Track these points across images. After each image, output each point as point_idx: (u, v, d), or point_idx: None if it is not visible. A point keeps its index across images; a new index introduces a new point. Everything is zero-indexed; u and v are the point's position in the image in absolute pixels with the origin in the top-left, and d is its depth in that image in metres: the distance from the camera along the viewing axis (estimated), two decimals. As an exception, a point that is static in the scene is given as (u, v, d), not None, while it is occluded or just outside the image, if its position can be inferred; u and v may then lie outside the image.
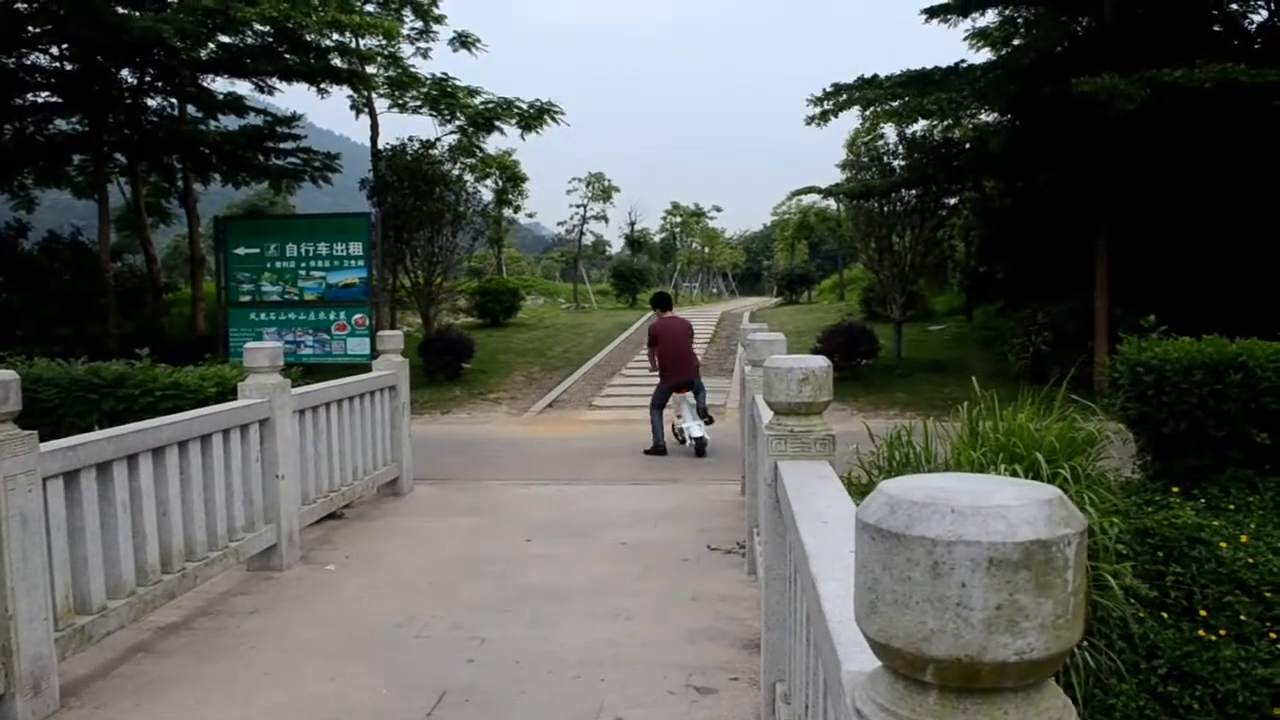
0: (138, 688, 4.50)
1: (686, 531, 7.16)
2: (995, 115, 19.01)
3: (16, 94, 18.72)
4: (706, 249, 62.31)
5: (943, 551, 1.02)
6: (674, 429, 11.35)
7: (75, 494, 4.55)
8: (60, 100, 19.29)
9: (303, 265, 15.64)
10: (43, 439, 4.34)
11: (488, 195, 33.86)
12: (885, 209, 18.20)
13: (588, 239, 48.50)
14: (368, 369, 8.93)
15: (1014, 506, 1.03)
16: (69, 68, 18.47)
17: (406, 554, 6.79)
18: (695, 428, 10.93)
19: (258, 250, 15.76)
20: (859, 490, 5.41)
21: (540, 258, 73.21)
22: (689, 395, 11.19)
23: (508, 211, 38.98)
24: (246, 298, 15.82)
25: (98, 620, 4.62)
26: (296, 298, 15.68)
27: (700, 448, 10.86)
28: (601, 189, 44.66)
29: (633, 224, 54.05)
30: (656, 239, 60.05)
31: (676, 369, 11.25)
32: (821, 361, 3.36)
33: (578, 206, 45.06)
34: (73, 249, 20.39)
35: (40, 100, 19.39)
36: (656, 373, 11.35)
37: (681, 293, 55.02)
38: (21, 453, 4.10)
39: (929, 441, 6.18)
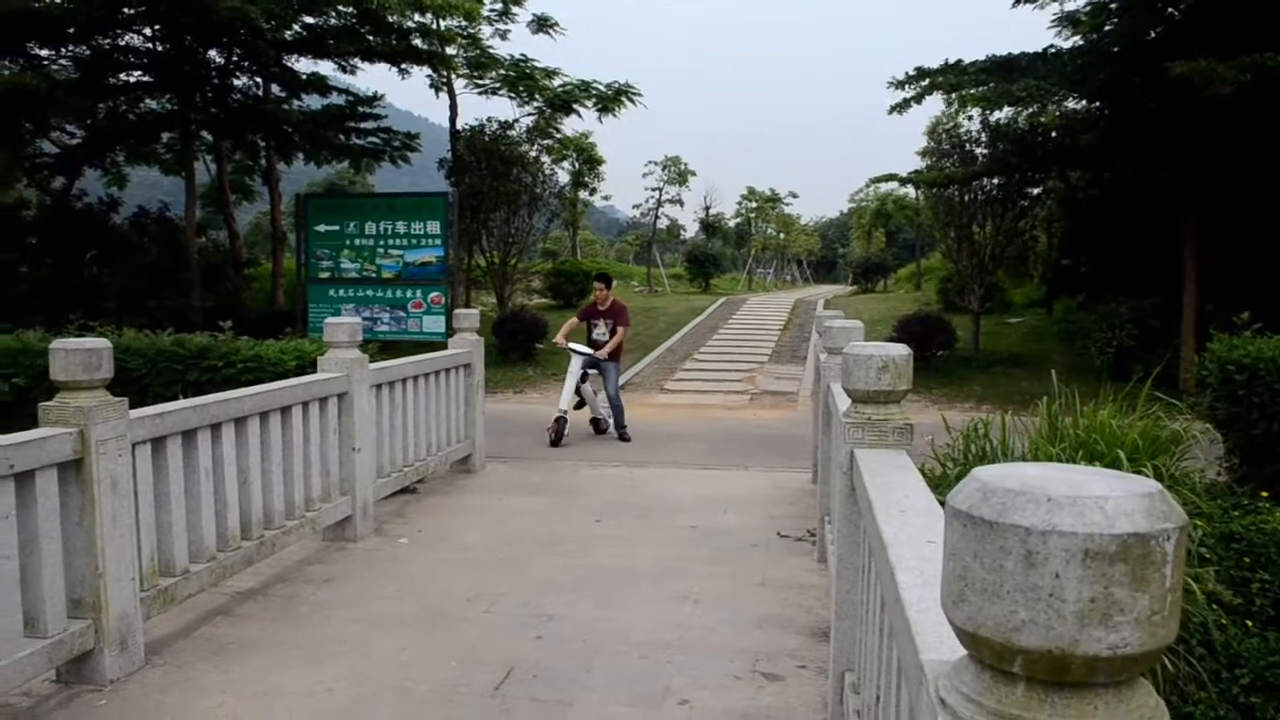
0: (216, 649, 4.62)
1: (755, 517, 7.13)
2: (1083, 103, 18.53)
3: (110, 74, 19.21)
4: (781, 235, 61.92)
5: (1037, 541, 1.00)
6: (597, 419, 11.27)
7: (162, 460, 4.68)
8: (151, 80, 19.75)
9: (381, 243, 15.86)
10: (130, 407, 4.47)
11: (564, 177, 34.05)
12: (966, 198, 17.87)
13: (662, 222, 48.51)
14: (443, 347, 9.04)
15: (1112, 498, 1.00)
16: (160, 48, 18.90)
17: (477, 530, 6.86)
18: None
19: (337, 228, 16.01)
20: (934, 482, 5.34)
21: (614, 241, 73.35)
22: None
23: (583, 194, 39.20)
24: (326, 274, 16.09)
25: (180, 582, 4.75)
26: (374, 275, 15.91)
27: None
28: (677, 173, 44.60)
29: (708, 208, 53.93)
30: (731, 224, 59.76)
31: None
32: (902, 349, 3.32)
33: (653, 190, 45.11)
34: (160, 224, 20.93)
35: (132, 80, 19.87)
36: (607, 354, 10.96)
37: (755, 279, 54.75)
38: (112, 418, 4.22)
39: (1006, 435, 6.08)
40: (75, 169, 21.92)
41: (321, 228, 16.12)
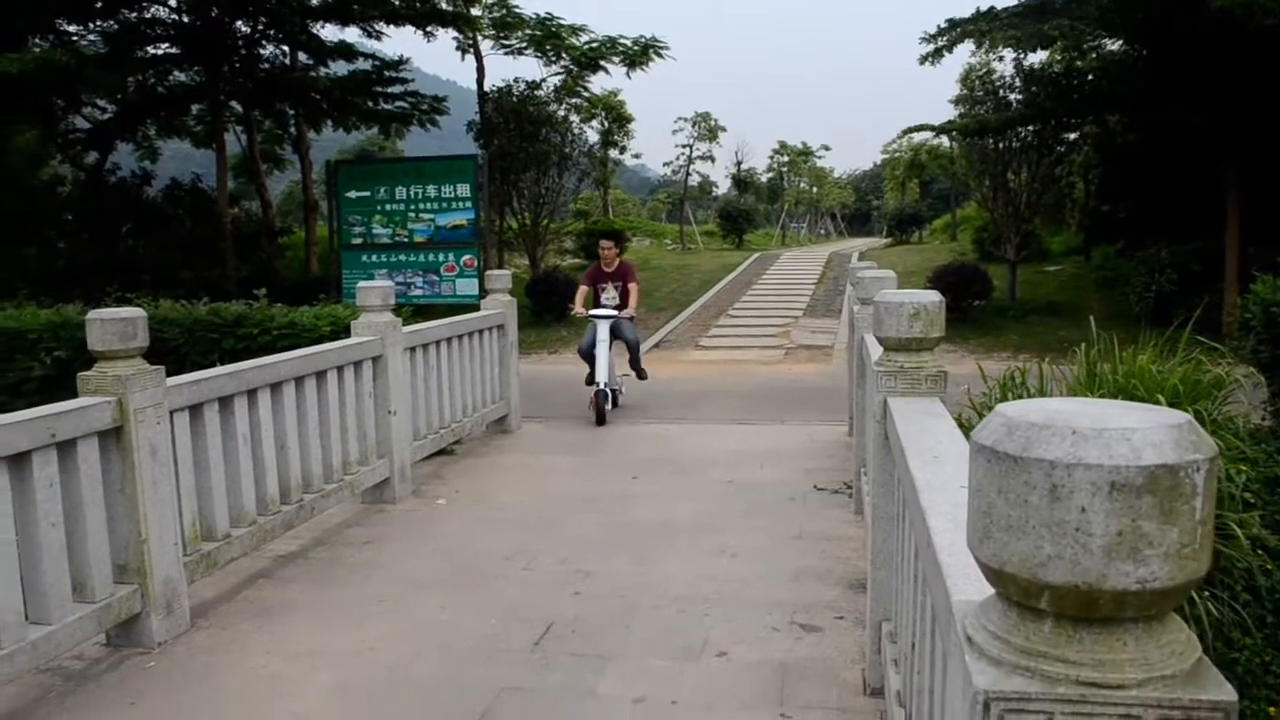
0: (259, 611, 4.70)
1: (792, 471, 7.12)
2: (1120, 44, 18.11)
3: (138, 47, 19.27)
4: (814, 189, 61.38)
5: (1062, 474, 0.98)
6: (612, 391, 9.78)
7: (200, 426, 4.73)
8: (179, 52, 19.79)
9: (412, 208, 15.88)
10: (168, 376, 4.52)
11: (593, 136, 33.87)
12: (1000, 145, 17.58)
13: (694, 179, 48.19)
14: (476, 309, 9.06)
15: (1140, 429, 0.98)
16: (186, 20, 18.93)
17: (514, 489, 6.91)
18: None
19: (368, 193, 16.04)
20: (969, 430, 5.30)
21: (646, 199, 73.00)
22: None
23: (613, 152, 38.97)
24: (358, 240, 16.15)
25: (222, 547, 4.82)
26: (406, 239, 15.95)
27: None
28: (708, 129, 44.24)
29: (739, 164, 53.52)
30: (763, 179, 59.29)
31: None
32: (933, 296, 3.28)
33: (684, 147, 44.77)
34: (193, 196, 21.07)
35: (160, 53, 19.93)
36: (633, 314, 10.07)
37: (789, 233, 54.38)
38: (150, 386, 4.27)
39: (1044, 384, 6.01)
40: (108, 144, 22.06)
41: (353, 194, 16.16)
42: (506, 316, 8.92)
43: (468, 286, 15.56)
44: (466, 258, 15.76)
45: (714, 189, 58.53)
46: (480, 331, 8.42)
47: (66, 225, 20.16)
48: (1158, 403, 5.23)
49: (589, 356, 9.50)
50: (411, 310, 10.03)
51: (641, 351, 10.41)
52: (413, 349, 7.08)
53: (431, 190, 15.79)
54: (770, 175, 59.28)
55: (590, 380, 9.55)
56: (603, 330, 9.43)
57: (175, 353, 7.53)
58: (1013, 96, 17.74)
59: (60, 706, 3.79)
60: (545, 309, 17.75)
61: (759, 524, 5.87)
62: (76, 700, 3.84)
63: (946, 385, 3.27)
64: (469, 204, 15.80)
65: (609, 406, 9.31)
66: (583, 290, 10.21)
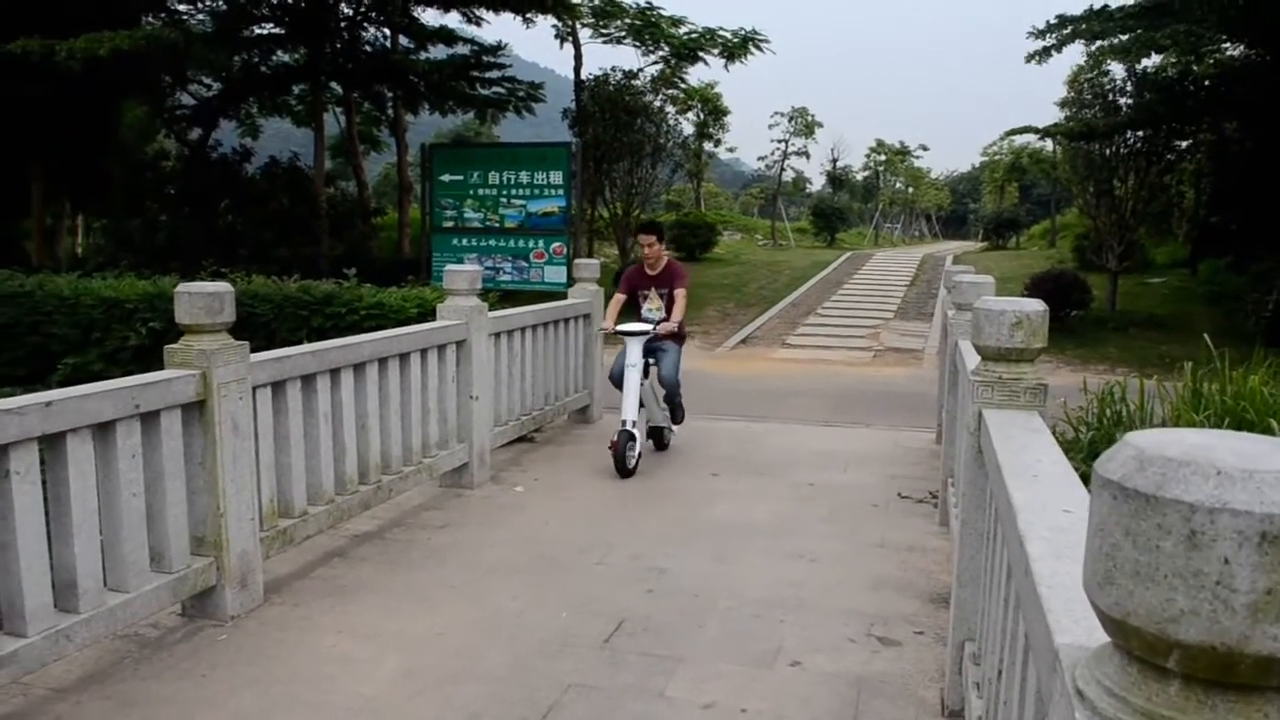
0: (332, 590, 4.70)
1: (876, 477, 6.94)
2: (1240, 50, 17.39)
3: (244, 27, 19.69)
4: (910, 189, 60.41)
5: (1203, 520, 0.85)
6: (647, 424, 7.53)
7: (281, 403, 4.75)
8: (283, 32, 20.18)
9: (504, 193, 15.93)
10: (256, 351, 4.55)
11: (688, 128, 33.77)
12: (1107, 151, 16.99)
13: (788, 175, 47.84)
14: (564, 297, 9.02)
15: (1297, 473, 0.85)
16: (292, 1, 19.27)
17: (592, 481, 6.85)
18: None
19: (461, 177, 16.14)
20: (1065, 446, 5.08)
21: (739, 193, 72.63)
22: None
23: (708, 145, 38.81)
24: (450, 223, 16.26)
25: (299, 524, 4.85)
26: (497, 225, 16.01)
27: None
28: (804, 124, 43.81)
29: (834, 161, 52.96)
30: (859, 177, 58.53)
31: None
32: (1037, 305, 3.11)
33: (779, 142, 44.42)
34: (290, 174, 21.46)
35: (265, 32, 20.33)
36: (675, 328, 7.46)
37: (882, 233, 53.60)
38: (234, 361, 4.29)
39: (1145, 400, 5.75)
40: (211, 120, 22.62)
41: (446, 177, 16.27)
42: (593, 306, 8.86)
43: (556, 274, 15.57)
44: (556, 245, 15.77)
45: (808, 185, 57.94)
46: (566, 320, 8.38)
47: (169, 199, 20.70)
48: (1269, 429, 4.95)
49: (620, 384, 7.09)
50: (499, 295, 10.02)
51: (682, 387, 7.65)
52: (497, 335, 7.06)
53: (524, 176, 15.83)
54: (866, 174, 58.52)
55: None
56: (634, 351, 7.04)
57: (265, 328, 7.65)
58: (1123, 101, 17.14)
59: (134, 673, 3.83)
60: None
61: (839, 529, 5.72)
62: (150, 668, 3.87)
63: (1047, 399, 3.10)
64: (561, 191, 15.80)
65: (636, 453, 6.90)
66: (616, 300, 7.71)
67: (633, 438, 6.87)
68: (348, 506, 5.26)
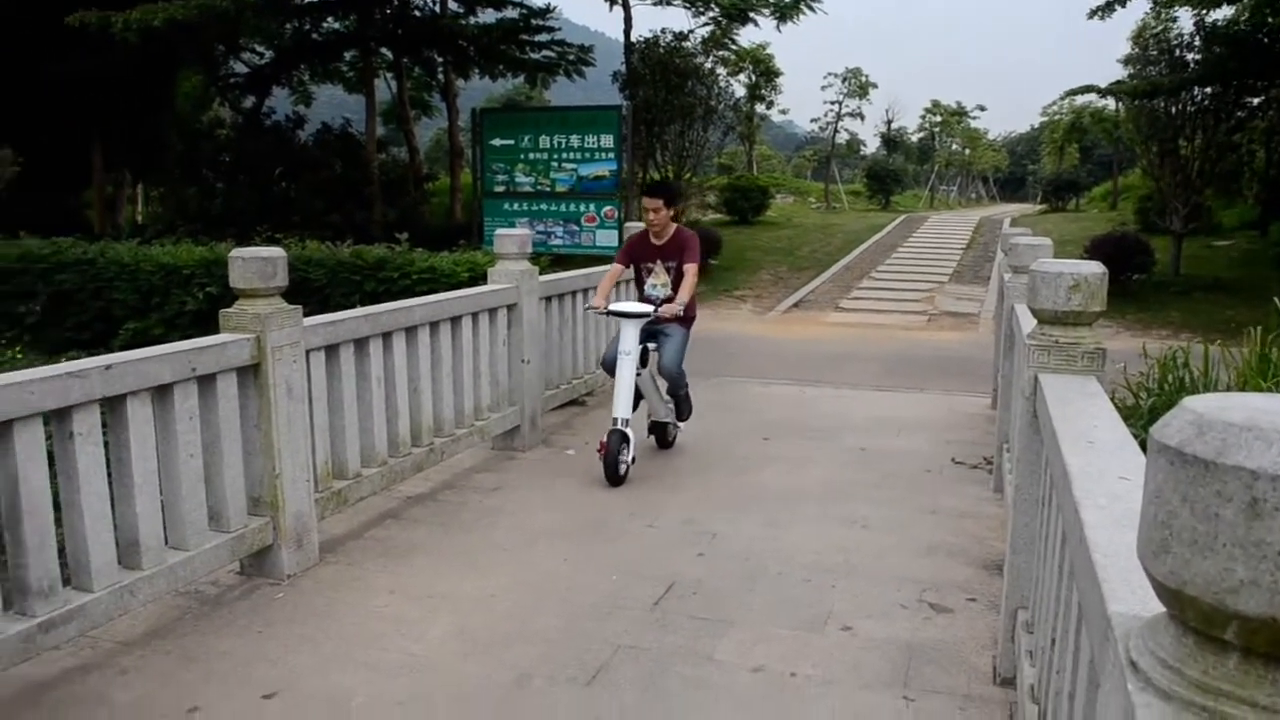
0: (385, 550, 4.77)
1: (929, 442, 6.88)
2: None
3: (295, -6, 19.80)
4: (967, 150, 59.35)
5: (1265, 487, 0.82)
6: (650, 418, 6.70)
7: (335, 367, 4.80)
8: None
9: (555, 157, 15.91)
10: (310, 316, 4.60)
11: (740, 90, 33.46)
12: (1173, 109, 16.51)
13: (841, 137, 47.29)
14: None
15: (1366, 438, 0.82)
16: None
17: (643, 445, 6.85)
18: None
19: (512, 142, 16.13)
20: (1124, 413, 4.98)
21: (791, 156, 71.90)
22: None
23: (760, 107, 38.46)
24: (501, 188, 16.28)
25: (352, 485, 4.91)
26: (548, 189, 16.00)
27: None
28: (858, 85, 43.24)
29: (889, 122, 52.24)
30: (914, 139, 57.69)
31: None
32: (1095, 267, 3.04)
33: (832, 103, 43.94)
34: (342, 140, 21.61)
35: (315, 0, 20.39)
36: (681, 311, 6.25)
37: (938, 196, 52.85)
38: (287, 325, 4.34)
39: (1209, 366, 5.62)
40: (264, 88, 22.80)
41: (497, 142, 16.28)
42: (643, 269, 8.83)
43: (607, 238, 15.54)
44: (607, 209, 15.73)
45: (862, 148, 57.30)
46: (617, 284, 8.36)
47: (224, 167, 20.96)
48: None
49: (613, 371, 6.10)
50: (550, 260, 10.04)
51: (690, 399, 6.77)
52: (548, 298, 7.07)
53: (575, 140, 15.78)
54: (921, 135, 57.63)
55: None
56: (630, 336, 5.99)
57: (319, 293, 7.74)
58: (1190, 56, 16.62)
59: (194, 628, 3.92)
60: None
61: (892, 495, 5.68)
62: (210, 624, 3.96)
63: (1105, 364, 3.04)
64: (612, 155, 15.74)
65: (629, 458, 5.85)
66: (613, 271, 6.69)
67: (626, 439, 5.81)
68: (400, 468, 5.32)
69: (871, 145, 58.62)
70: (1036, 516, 2.98)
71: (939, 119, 55.55)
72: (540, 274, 6.88)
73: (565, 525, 5.16)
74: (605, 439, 5.81)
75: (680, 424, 6.70)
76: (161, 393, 3.82)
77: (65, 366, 3.52)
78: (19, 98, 17.25)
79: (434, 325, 5.64)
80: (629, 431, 5.86)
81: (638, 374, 6.00)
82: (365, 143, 20.34)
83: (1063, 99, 42.29)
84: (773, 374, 9.69)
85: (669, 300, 6.29)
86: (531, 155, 16.01)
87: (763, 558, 4.68)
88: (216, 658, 3.67)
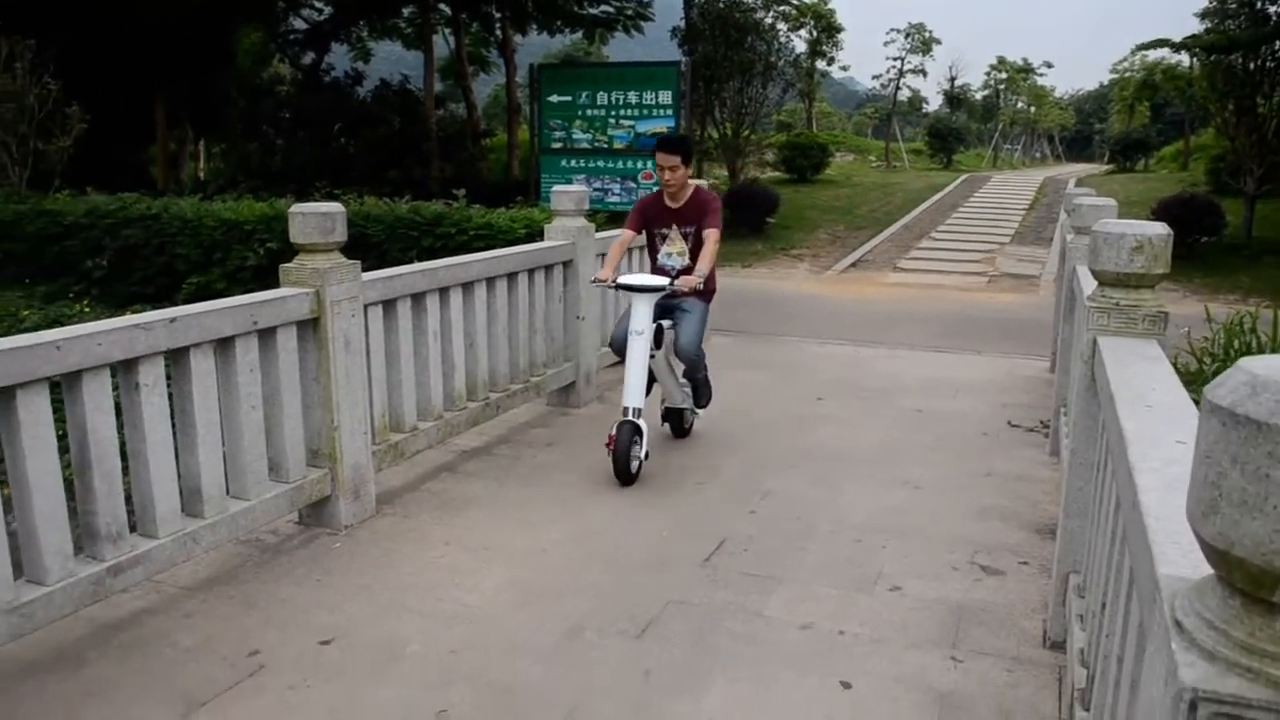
0: (441, 503, 4.84)
1: (985, 405, 6.81)
2: None
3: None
4: (1032, 109, 58.13)
5: (1317, 449, 0.81)
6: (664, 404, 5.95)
7: (392, 321, 4.86)
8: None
9: (612, 113, 15.82)
10: (368, 270, 4.65)
11: (800, 46, 32.99)
12: (1250, 65, 15.97)
13: (903, 94, 46.49)
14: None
15: None
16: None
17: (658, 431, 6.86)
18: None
19: (570, 98, 16.07)
20: (1187, 379, 4.89)
21: (852, 114, 70.93)
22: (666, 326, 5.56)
23: (820, 64, 37.93)
24: (558, 144, 16.24)
25: (409, 438, 4.99)
26: (606, 145, 15.94)
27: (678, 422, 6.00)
28: (921, 41, 42.47)
29: (953, 79, 51.22)
30: (977, 96, 56.50)
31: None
32: (1159, 228, 2.98)
33: (894, 60, 43.27)
34: (401, 97, 21.68)
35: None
36: (700, 283, 5.38)
37: (1001, 155, 51.86)
38: (346, 280, 4.39)
39: (1278, 332, 5.50)
40: (324, 44, 22.93)
41: (554, 98, 16.22)
42: (699, 228, 8.79)
43: (664, 196, 15.48)
44: (664, 166, 15.63)
45: (924, 105, 56.22)
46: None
47: (284, 123, 21.15)
48: None
49: (623, 353, 5.36)
50: (606, 217, 10.01)
51: (709, 382, 6.00)
52: (604, 255, 7.06)
53: (633, 96, 15.68)
54: (985, 93, 56.47)
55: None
56: (642, 313, 5.23)
57: (377, 248, 7.81)
58: (1272, 9, 16.03)
59: (255, 575, 4.02)
60: (742, 221, 17.49)
61: (946, 457, 5.64)
62: (270, 572, 4.06)
63: (1166, 327, 2.99)
64: (670, 111, 15.62)
65: (642, 452, 5.17)
66: (621, 240, 5.75)
67: (638, 432, 5.14)
68: (456, 422, 5.39)
69: (934, 103, 57.54)
70: (1091, 480, 2.95)
71: (1004, 76, 54.41)
72: (596, 231, 6.88)
73: (618, 480, 5.19)
74: (614, 431, 5.09)
75: (699, 410, 6.00)
76: (224, 345, 3.90)
77: (131, 319, 3.61)
78: (86, 56, 17.51)
79: (490, 281, 5.68)
80: (642, 423, 5.15)
81: (651, 356, 5.31)
82: (423, 99, 20.41)
83: (1134, 54, 41.28)
84: (828, 334, 9.64)
85: (686, 271, 5.48)
86: (589, 112, 15.94)
87: (814, 517, 4.69)
88: (276, 604, 3.77)
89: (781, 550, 4.30)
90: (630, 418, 5.12)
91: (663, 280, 5.32)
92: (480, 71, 28.39)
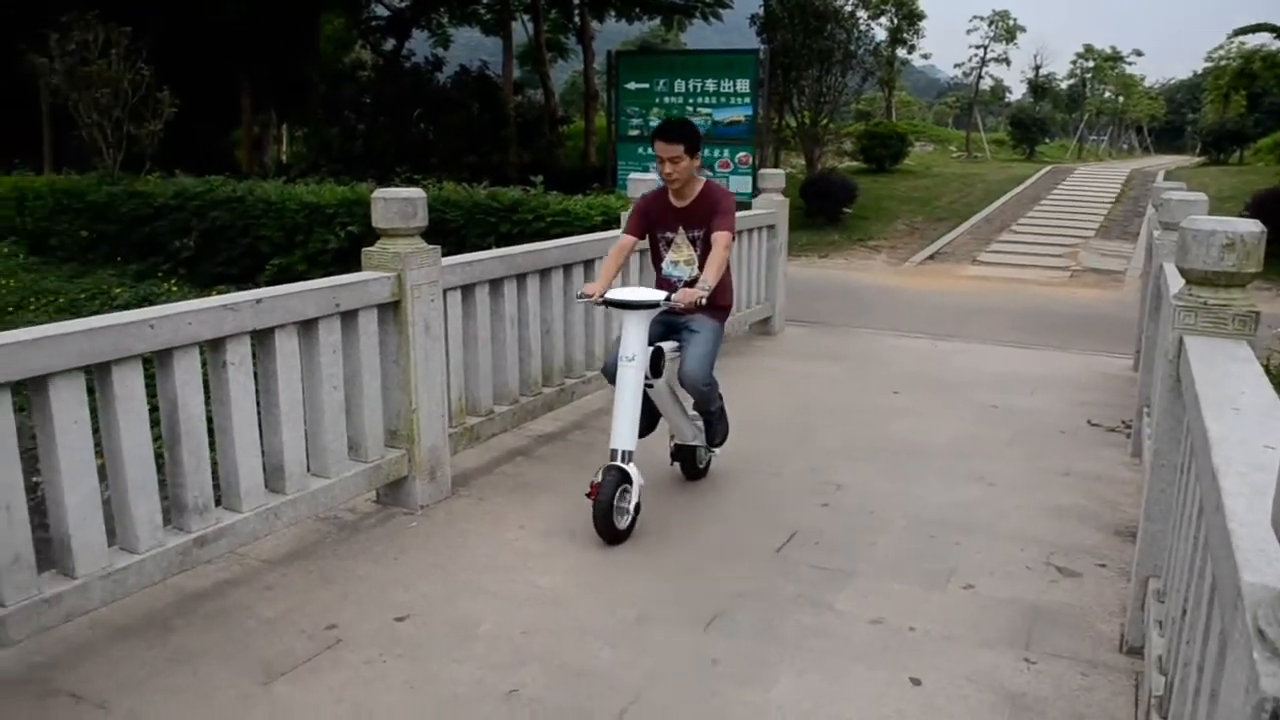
0: (515, 486, 4.91)
1: (1064, 402, 6.69)
2: None
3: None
4: (1120, 98, 56.66)
5: None
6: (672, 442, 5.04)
7: (470, 306, 4.94)
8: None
9: (690, 101, 15.82)
10: (447, 256, 4.72)
11: (880, 33, 32.59)
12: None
13: (985, 83, 45.69)
14: (747, 207, 8.95)
15: None
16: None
17: (770, 393, 6.86)
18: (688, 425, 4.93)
19: (647, 85, 16.09)
20: (1278, 380, 4.76)
21: (933, 103, 69.85)
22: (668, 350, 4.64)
23: (901, 52, 37.42)
24: (635, 131, 16.28)
25: (485, 422, 5.07)
26: (683, 134, 15.92)
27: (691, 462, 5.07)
28: (1005, 29, 41.69)
29: (1037, 68, 50.27)
30: (1062, 85, 55.25)
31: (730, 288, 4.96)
32: (1252, 225, 2.90)
33: (977, 48, 42.54)
34: (480, 83, 21.88)
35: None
36: (705, 297, 4.42)
37: (1087, 146, 50.70)
38: (426, 264, 4.47)
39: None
40: (404, 30, 23.22)
41: (632, 85, 16.26)
42: (778, 217, 8.76)
43: (741, 184, 15.41)
44: (742, 155, 15.60)
45: (1007, 94, 55.20)
46: (750, 230, 8.32)
47: (365, 108, 21.47)
48: None
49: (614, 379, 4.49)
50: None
51: (724, 414, 5.02)
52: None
53: (710, 84, 15.65)
54: (1071, 82, 55.21)
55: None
56: (634, 337, 4.35)
57: (456, 233, 7.92)
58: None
59: (333, 552, 4.12)
60: (819, 210, 17.39)
61: (1022, 454, 5.56)
62: (348, 549, 4.16)
63: (1258, 327, 2.91)
64: (747, 100, 15.57)
65: (631, 503, 4.27)
66: (619, 247, 4.83)
67: (626, 480, 4.22)
68: (531, 407, 5.46)
69: (1017, 92, 56.47)
70: (1174, 483, 2.89)
71: (1091, 64, 53.18)
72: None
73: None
74: (598, 478, 4.19)
75: (714, 449, 5.08)
76: (307, 327, 4.00)
77: (219, 299, 3.72)
78: (177, 42, 17.96)
79: (567, 268, 5.72)
80: (632, 469, 4.25)
81: (648, 384, 4.48)
82: (502, 85, 20.58)
83: (1230, 39, 39.94)
84: (905, 326, 9.54)
85: (691, 282, 4.62)
86: (666, 99, 15.95)
87: (887, 511, 4.66)
88: (353, 580, 3.86)
89: (853, 543, 4.29)
90: (618, 462, 4.22)
91: (656, 295, 4.40)
92: (558, 58, 28.52)
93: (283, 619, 3.54)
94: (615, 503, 4.19)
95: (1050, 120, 49.04)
